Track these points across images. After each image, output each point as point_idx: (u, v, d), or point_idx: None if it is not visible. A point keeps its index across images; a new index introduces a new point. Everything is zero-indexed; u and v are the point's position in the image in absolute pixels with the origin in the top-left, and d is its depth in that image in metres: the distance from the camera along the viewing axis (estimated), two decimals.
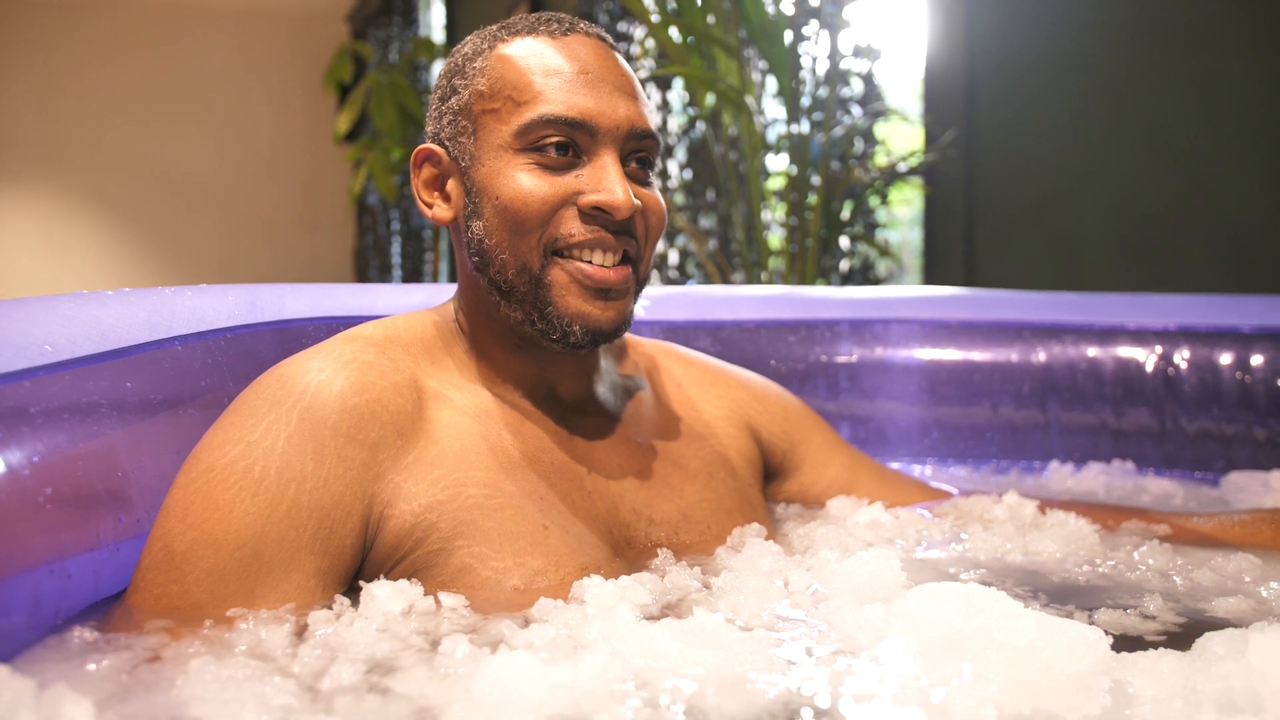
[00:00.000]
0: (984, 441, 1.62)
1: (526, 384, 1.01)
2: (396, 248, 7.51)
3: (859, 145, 3.17)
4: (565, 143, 0.93)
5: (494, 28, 1.02)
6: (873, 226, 3.27)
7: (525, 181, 0.93)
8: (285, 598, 0.83)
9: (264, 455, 0.84)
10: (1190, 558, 1.00)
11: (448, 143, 0.99)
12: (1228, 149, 2.34)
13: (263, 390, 0.89)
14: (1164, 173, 2.47)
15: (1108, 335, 1.59)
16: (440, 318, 1.04)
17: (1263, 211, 2.27)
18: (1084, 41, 2.64)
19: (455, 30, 6.56)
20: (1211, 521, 1.13)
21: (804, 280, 2.70)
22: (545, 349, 0.99)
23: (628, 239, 0.96)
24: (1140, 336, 1.58)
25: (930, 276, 3.09)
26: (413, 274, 7.13)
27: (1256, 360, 1.51)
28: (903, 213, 3.56)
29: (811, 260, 2.69)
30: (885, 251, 3.09)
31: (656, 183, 1.02)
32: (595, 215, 0.94)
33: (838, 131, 2.89)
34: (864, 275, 3.30)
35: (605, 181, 0.93)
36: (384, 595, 0.83)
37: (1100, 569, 0.98)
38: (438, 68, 6.69)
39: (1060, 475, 1.53)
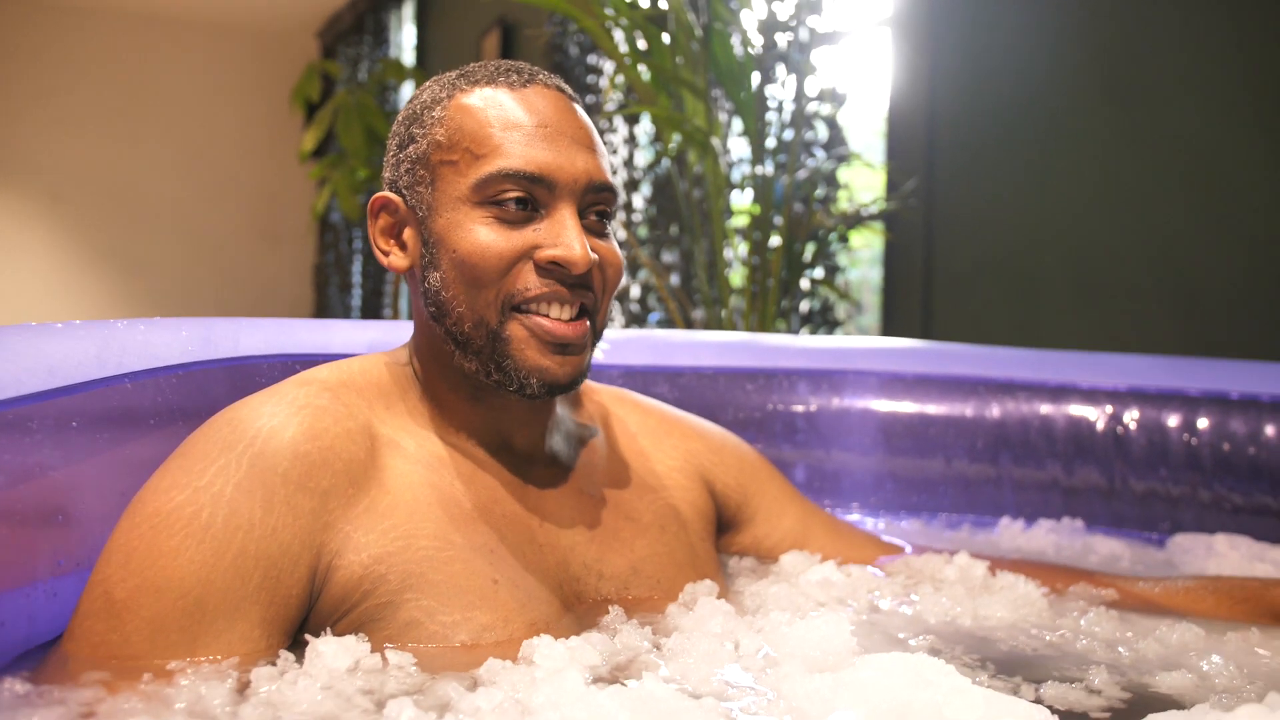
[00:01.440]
0: (937, 494, 1.63)
1: (480, 432, 1.01)
2: (357, 266, 7.46)
3: (822, 189, 3.21)
4: (524, 197, 0.93)
5: (452, 75, 1.01)
6: (833, 270, 3.31)
7: (483, 235, 0.93)
8: (229, 648, 0.81)
9: (211, 501, 0.83)
10: (1136, 627, 1.01)
11: (405, 191, 0.98)
12: (1184, 207, 2.40)
13: (213, 434, 0.87)
14: (1121, 229, 2.53)
15: (1060, 393, 1.62)
16: (395, 362, 1.03)
17: (1216, 271, 2.33)
18: (1045, 96, 2.71)
19: (425, 52, 6.57)
20: (1157, 587, 1.15)
21: (764, 320, 2.72)
22: (500, 398, 0.98)
23: (584, 292, 0.96)
24: (1091, 396, 1.60)
25: (888, 320, 3.12)
26: (373, 293, 7.08)
27: (1202, 423, 1.54)
28: (864, 252, 3.61)
29: (772, 300, 2.71)
30: (844, 295, 3.12)
31: (614, 223, 1.03)
32: (552, 269, 0.93)
33: (801, 174, 2.92)
34: (823, 316, 3.34)
35: (563, 236, 0.93)
36: (330, 652, 0.81)
37: (1048, 638, 0.99)
38: (406, 89, 6.68)
39: (1011, 532, 1.54)
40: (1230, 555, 1.41)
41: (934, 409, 1.64)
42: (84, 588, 0.85)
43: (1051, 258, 2.68)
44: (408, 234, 0.99)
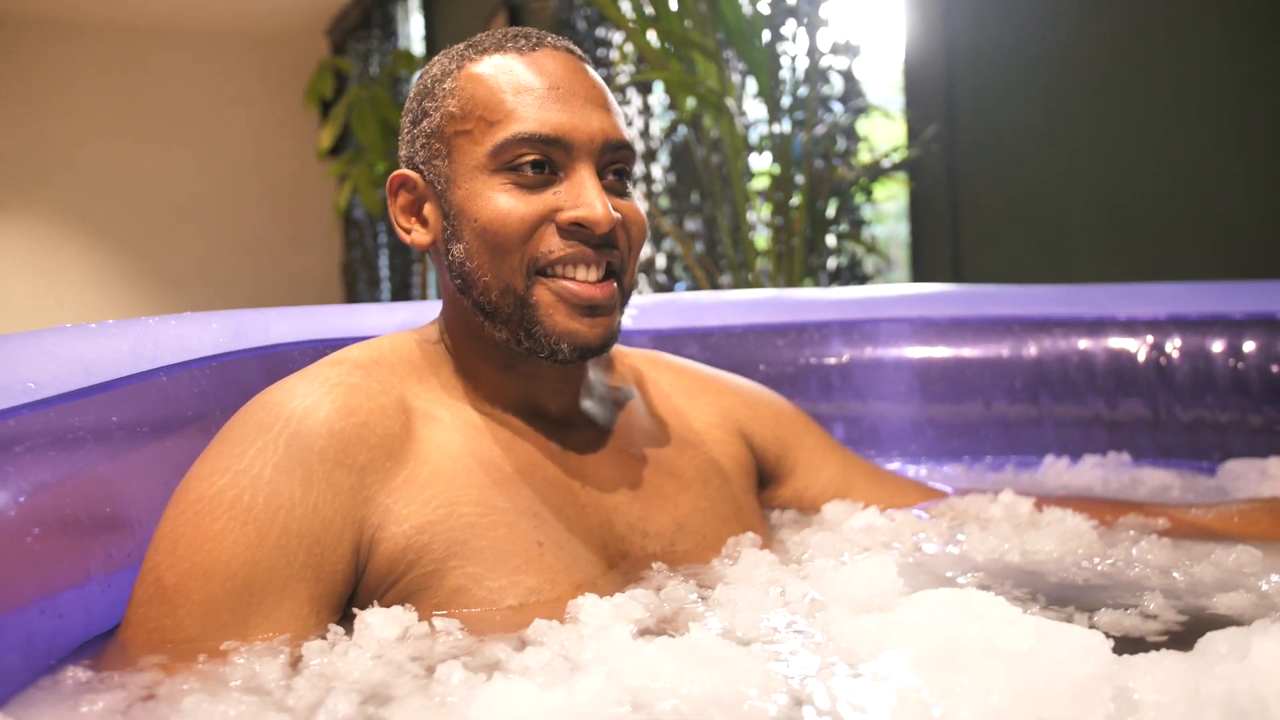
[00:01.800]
0: (978, 438, 1.61)
1: (514, 400, 1.01)
2: (384, 261, 7.50)
3: (841, 143, 3.17)
4: (541, 160, 0.92)
5: (461, 46, 1.00)
6: (858, 224, 3.27)
7: (503, 202, 0.92)
8: (279, 627, 0.82)
9: (251, 484, 0.84)
10: (1190, 552, 1.00)
11: (422, 167, 0.98)
12: (1209, 136, 2.34)
13: (249, 418, 0.88)
14: (1146, 161, 2.47)
15: (1098, 327, 1.59)
16: (425, 338, 1.03)
17: (1245, 197, 2.28)
18: (1062, 32, 2.65)
19: (434, 42, 6.56)
20: (1210, 513, 1.13)
21: (791, 280, 2.70)
22: (532, 365, 0.98)
23: (610, 251, 0.95)
24: (1130, 327, 1.57)
25: (917, 272, 3.09)
26: (401, 286, 7.12)
27: (1248, 346, 1.51)
28: (889, 207, 3.57)
29: (798, 260, 2.69)
30: (872, 248, 3.09)
31: (635, 193, 1.02)
32: (575, 231, 0.93)
33: (820, 130, 2.89)
34: (852, 273, 3.31)
35: (584, 196, 0.92)
36: (377, 622, 0.82)
37: (1099, 567, 0.97)
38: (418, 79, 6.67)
39: (1056, 470, 1.52)
40: None
41: (969, 352, 1.62)
42: (137, 576, 0.86)
43: (1078, 194, 2.63)
44: (428, 209, 0.99)
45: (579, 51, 1.01)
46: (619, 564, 0.98)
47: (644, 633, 0.81)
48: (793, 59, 3.08)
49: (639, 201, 1.01)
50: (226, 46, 8.33)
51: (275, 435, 0.86)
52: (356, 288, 8.02)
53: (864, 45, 3.20)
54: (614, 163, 0.97)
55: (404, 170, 1.00)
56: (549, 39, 0.99)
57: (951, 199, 2.94)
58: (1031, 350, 1.60)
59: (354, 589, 0.88)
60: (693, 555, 1.02)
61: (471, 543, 0.89)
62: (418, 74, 1.06)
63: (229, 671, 0.76)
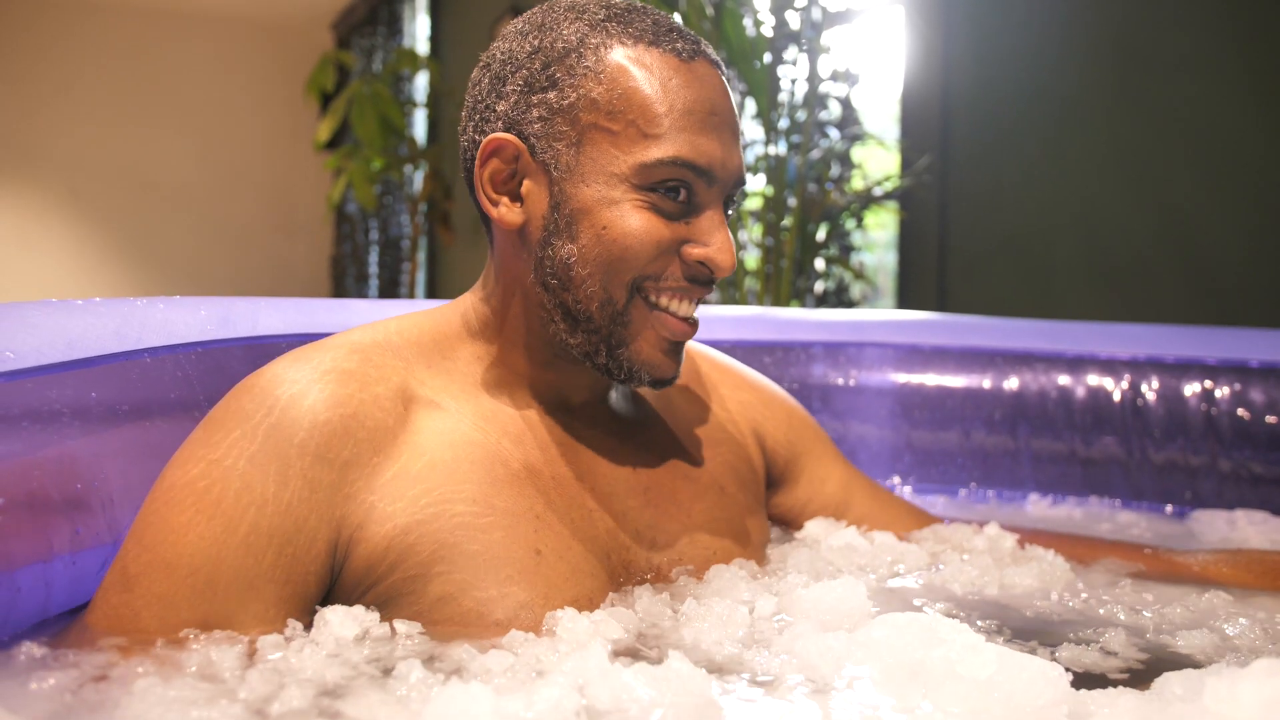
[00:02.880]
0: (955, 467, 1.63)
1: (538, 391, 0.95)
2: (374, 257, 7.49)
3: (836, 168, 3.19)
4: (682, 186, 0.87)
5: (600, 13, 0.90)
6: (848, 250, 3.30)
7: (638, 221, 0.87)
8: (242, 628, 0.78)
9: (223, 476, 0.79)
10: (1161, 594, 1.01)
11: (534, 141, 0.89)
12: (1197, 181, 2.37)
13: (233, 403, 0.84)
14: (1131, 205, 2.50)
15: (1078, 364, 1.61)
16: (444, 319, 0.97)
17: (1228, 244, 2.31)
18: (1057, 76, 2.68)
19: (439, 41, 6.57)
20: (1178, 557, 1.14)
21: (778, 301, 2.71)
22: (575, 364, 0.94)
23: (707, 288, 0.92)
24: (1110, 366, 1.59)
25: (904, 300, 3.11)
26: (389, 284, 7.10)
27: (1221, 392, 1.53)
28: (879, 235, 3.59)
29: (786, 281, 2.71)
30: (859, 274, 3.11)
31: None
32: (697, 269, 0.89)
33: (815, 154, 2.91)
34: (838, 298, 3.33)
35: (716, 238, 0.89)
36: (337, 620, 0.79)
37: (1071, 604, 0.98)
38: (421, 79, 6.69)
39: (1037, 506, 1.54)
40: (1249, 530, 1.40)
41: (951, 381, 1.63)
42: (104, 556, 0.86)
43: (1066, 234, 2.66)
44: (529, 188, 0.90)
45: (723, 65, 0.96)
46: (618, 576, 0.92)
47: (620, 652, 0.79)
48: (793, 83, 3.11)
49: None
50: (230, 32, 8.32)
51: (255, 425, 0.81)
52: (344, 282, 8.01)
53: (863, 74, 3.23)
54: (731, 197, 0.94)
55: (505, 135, 0.89)
56: (704, 47, 0.92)
57: (941, 230, 2.97)
58: (1012, 383, 1.62)
59: (328, 591, 0.84)
60: (694, 571, 0.97)
61: (462, 546, 0.83)
62: (534, 26, 0.91)
63: (185, 658, 0.75)
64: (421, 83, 6.73)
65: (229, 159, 8.35)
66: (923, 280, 3.04)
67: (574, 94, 0.87)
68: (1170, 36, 2.42)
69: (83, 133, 7.90)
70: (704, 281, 0.90)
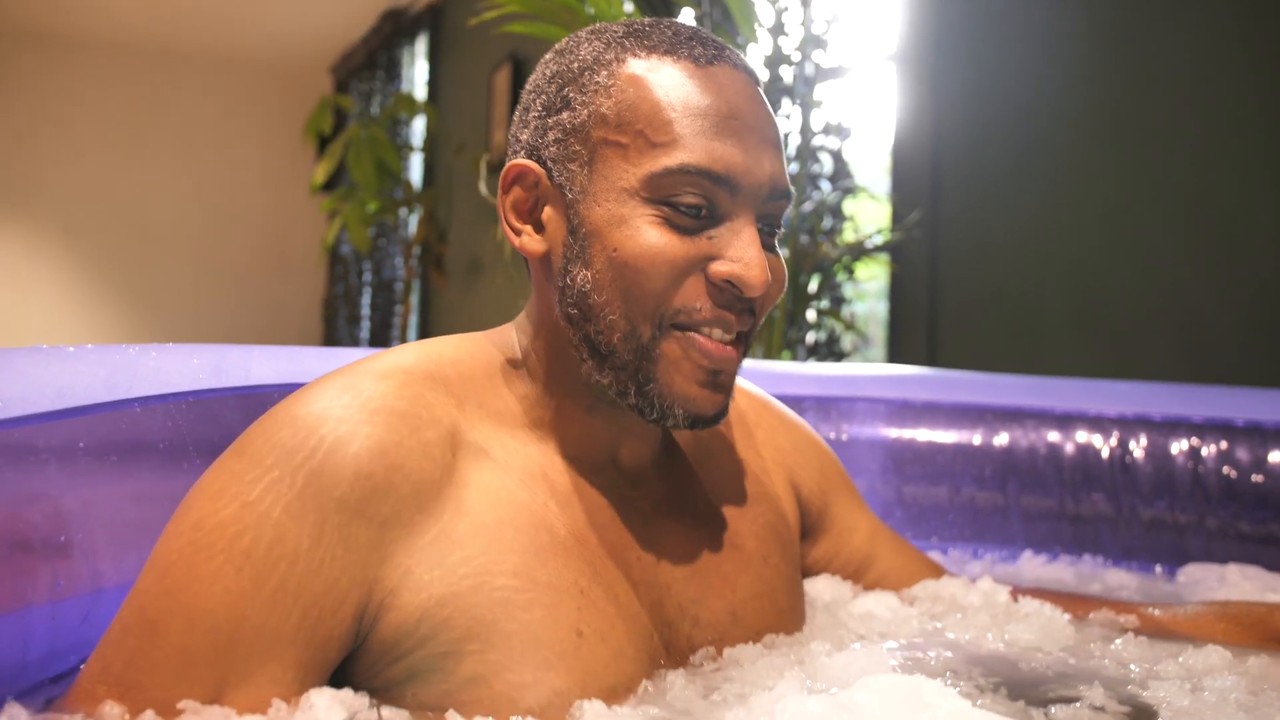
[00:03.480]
0: (945, 523, 1.63)
1: (586, 442, 0.88)
2: (367, 299, 7.50)
3: (828, 221, 3.23)
4: (701, 198, 0.80)
5: (619, 31, 0.85)
6: (839, 301, 3.32)
7: (652, 238, 0.79)
8: (258, 689, 0.71)
9: (257, 523, 0.72)
10: (1155, 651, 1.01)
11: (551, 165, 0.84)
12: (1183, 241, 2.40)
13: (273, 433, 0.76)
14: (1120, 263, 2.53)
15: (1067, 421, 1.62)
16: (497, 350, 0.89)
17: (1214, 303, 2.34)
18: (1048, 131, 2.72)
19: (437, 87, 6.65)
20: (1168, 613, 1.13)
21: (770, 352, 2.72)
22: (619, 409, 0.86)
23: (748, 316, 0.83)
24: (1098, 423, 1.60)
25: (894, 351, 3.13)
26: (381, 326, 7.11)
27: (1207, 450, 1.54)
28: (870, 284, 3.62)
29: (778, 333, 2.72)
30: (850, 326, 3.13)
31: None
32: (725, 288, 0.81)
33: (807, 206, 2.94)
34: (829, 349, 3.34)
35: (744, 252, 0.80)
36: (323, 705, 0.73)
37: (1066, 660, 0.98)
38: (418, 123, 6.76)
39: (1030, 564, 1.54)
40: (1242, 585, 1.40)
41: (942, 436, 1.64)
42: (80, 603, 0.83)
43: (1055, 292, 2.69)
44: (548, 214, 0.85)
45: (755, 74, 0.88)
46: (658, 658, 0.85)
47: None
48: (785, 136, 3.15)
49: None
50: (230, 73, 8.40)
51: (296, 467, 0.74)
52: (336, 324, 8.01)
53: (855, 128, 3.27)
54: (770, 212, 0.84)
55: (525, 162, 0.85)
56: (728, 52, 0.85)
57: (931, 283, 2.99)
58: (1002, 439, 1.62)
59: (352, 656, 0.77)
60: (733, 653, 0.90)
61: (500, 624, 0.76)
62: (551, 54, 0.88)
63: None
64: (419, 127, 6.80)
65: (223, 198, 8.38)
66: (913, 332, 3.06)
67: (585, 111, 0.82)
68: (1162, 96, 2.46)
69: (78, 170, 7.93)
70: (734, 306, 0.81)
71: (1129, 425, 1.59)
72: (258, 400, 1.14)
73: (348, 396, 0.78)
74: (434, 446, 0.79)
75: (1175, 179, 2.42)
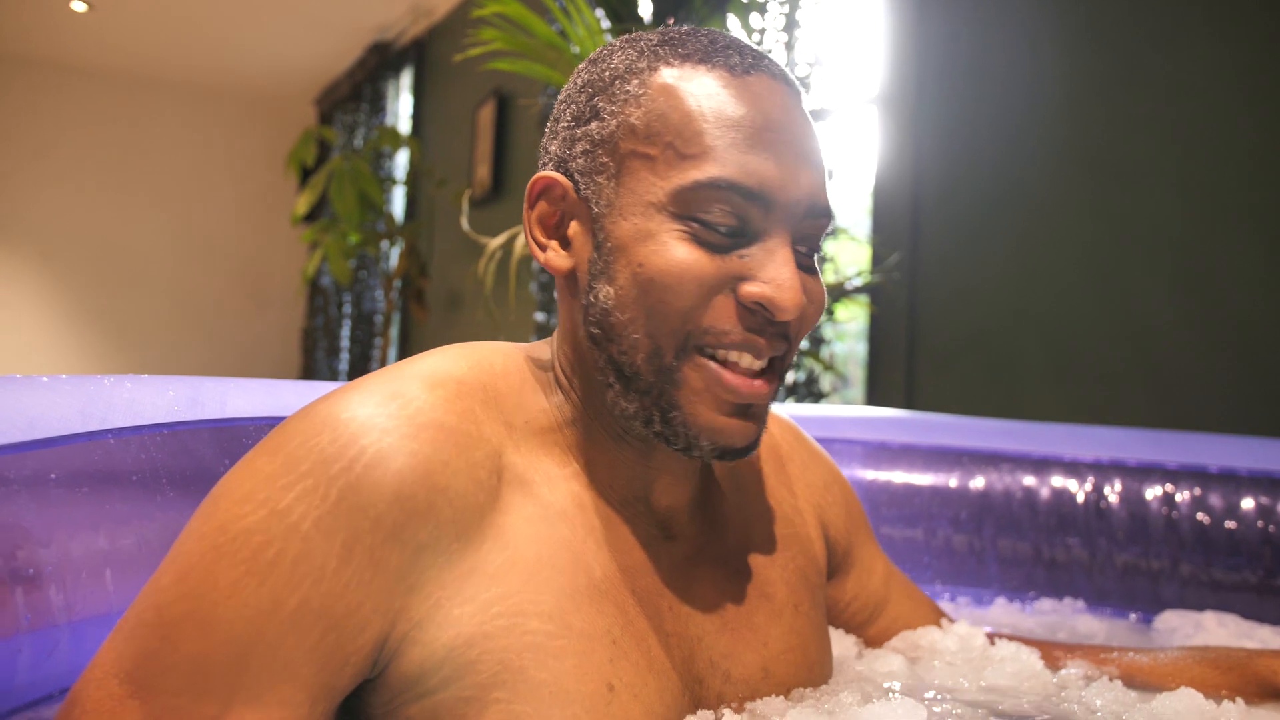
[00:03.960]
0: (920, 565, 1.63)
1: (622, 477, 0.83)
2: (346, 330, 7.47)
3: None
4: (733, 215, 0.75)
5: (653, 40, 0.81)
6: (819, 341, 3.34)
7: (680, 254, 0.74)
8: (267, 709, 0.67)
9: (284, 535, 0.67)
10: (1129, 699, 1.01)
11: (579, 177, 0.80)
12: (1160, 286, 2.44)
13: (310, 436, 0.70)
14: (1099, 307, 2.56)
15: (1043, 465, 1.63)
16: (538, 367, 0.84)
17: (1189, 348, 2.37)
18: (1028, 176, 2.77)
19: (421, 121, 6.68)
20: (1146, 658, 1.13)
21: None
22: (648, 440, 0.82)
23: (780, 341, 0.78)
24: (1074, 468, 1.61)
25: (872, 392, 3.14)
26: (361, 358, 7.08)
27: (1181, 496, 1.55)
28: (850, 326, 3.64)
29: None
30: (829, 367, 3.14)
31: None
32: (755, 310, 0.76)
33: None
34: (808, 389, 3.35)
35: (778, 273, 0.75)
36: None
37: (1044, 707, 0.98)
38: (401, 156, 6.78)
39: (1006, 608, 1.54)
40: (1218, 633, 1.40)
41: (919, 479, 1.64)
42: (50, 636, 0.82)
43: (1032, 336, 2.71)
44: (574, 229, 0.81)
45: (796, 85, 0.83)
46: (687, 715, 0.81)
47: None
48: None
49: None
50: (213, 104, 8.42)
51: (332, 478, 0.69)
52: (315, 355, 7.97)
53: (837, 170, 3.31)
54: (809, 231, 0.79)
55: (552, 174, 0.81)
56: (766, 62, 0.80)
57: (910, 325, 3.02)
58: (979, 482, 1.63)
59: (367, 686, 0.73)
60: (767, 706, 0.86)
61: (529, 672, 0.71)
62: (583, 64, 0.84)
63: None
64: (402, 160, 6.82)
65: (203, 228, 8.36)
66: (891, 374, 3.08)
67: (614, 122, 0.78)
68: (1141, 143, 2.51)
69: (55, 198, 7.89)
70: (765, 331, 0.77)
71: (1104, 470, 1.60)
72: (233, 434, 1.13)
73: (395, 405, 0.72)
74: (481, 469, 0.74)
75: (1153, 224, 2.46)
